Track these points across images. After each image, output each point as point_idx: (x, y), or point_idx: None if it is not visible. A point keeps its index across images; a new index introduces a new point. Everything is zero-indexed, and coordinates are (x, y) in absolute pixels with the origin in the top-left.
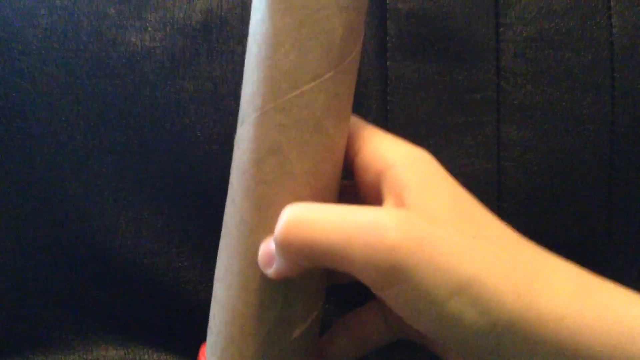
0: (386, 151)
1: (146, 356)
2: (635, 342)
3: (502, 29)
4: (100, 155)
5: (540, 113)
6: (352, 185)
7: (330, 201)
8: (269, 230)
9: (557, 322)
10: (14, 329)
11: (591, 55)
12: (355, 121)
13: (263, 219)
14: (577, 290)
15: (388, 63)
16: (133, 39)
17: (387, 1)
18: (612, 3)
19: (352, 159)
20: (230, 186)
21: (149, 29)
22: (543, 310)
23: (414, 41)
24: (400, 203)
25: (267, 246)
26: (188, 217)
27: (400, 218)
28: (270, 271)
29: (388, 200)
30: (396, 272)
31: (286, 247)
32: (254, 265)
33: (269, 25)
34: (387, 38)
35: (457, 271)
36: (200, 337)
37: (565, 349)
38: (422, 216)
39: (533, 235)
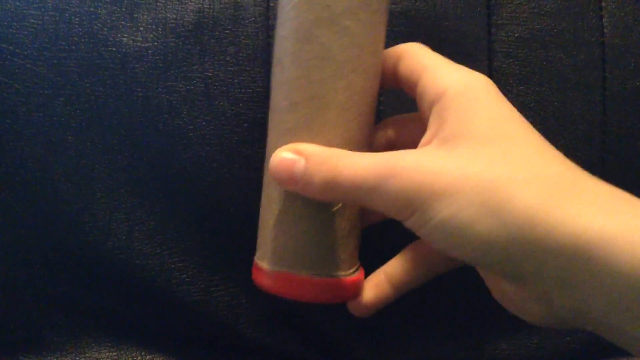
0: (440, 79)
1: (139, 357)
2: None
3: (494, 29)
4: (92, 156)
5: (531, 113)
6: (418, 116)
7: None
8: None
9: (574, 237)
10: (5, 332)
11: (583, 56)
12: (419, 50)
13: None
14: (601, 209)
15: None
16: (125, 40)
17: None
18: (603, 4)
19: (414, 89)
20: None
21: (141, 29)
22: (557, 226)
23: (406, 41)
24: (438, 132)
25: (287, 165)
26: (181, 218)
27: (412, 159)
28: (289, 188)
29: (430, 129)
30: (409, 207)
31: (323, 192)
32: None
33: None
34: None
35: (458, 196)
36: (192, 337)
37: (579, 263)
38: (438, 151)
39: None
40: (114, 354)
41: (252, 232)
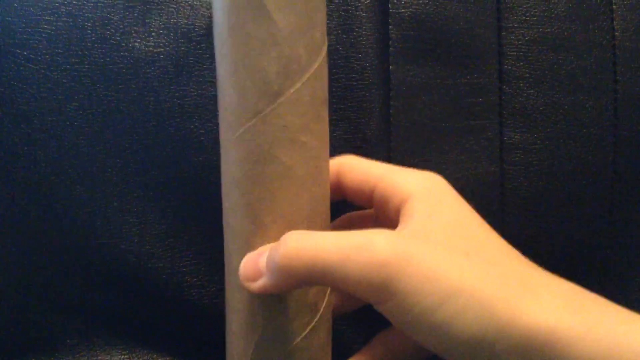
0: (402, 183)
1: None
2: (623, 357)
3: (504, 33)
4: (104, 160)
5: (542, 116)
6: (373, 215)
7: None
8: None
9: (548, 334)
10: (19, 334)
11: (593, 59)
12: (359, 161)
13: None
14: (568, 304)
15: (391, 67)
16: (137, 45)
17: (390, 6)
18: (614, 6)
19: (370, 195)
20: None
21: (153, 34)
22: (533, 321)
23: (416, 46)
24: (406, 227)
25: (253, 260)
26: (192, 221)
27: (391, 237)
28: (255, 285)
29: (399, 226)
30: (387, 287)
31: (287, 268)
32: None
33: (217, 70)
34: (390, 42)
35: (445, 281)
36: (203, 340)
37: (557, 355)
38: (416, 236)
39: (535, 238)
40: (126, 356)
41: None
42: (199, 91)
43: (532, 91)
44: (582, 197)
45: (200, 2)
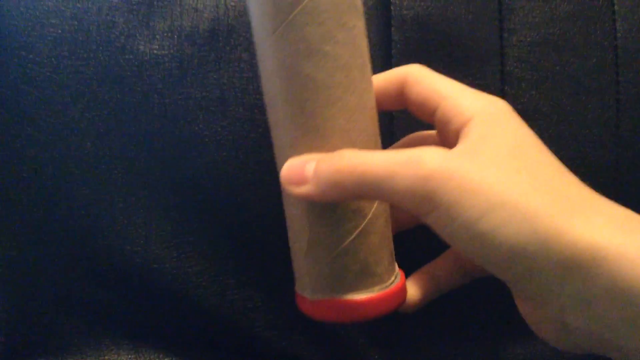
0: (464, 107)
1: None
2: None
3: (506, 34)
4: (109, 162)
5: (544, 117)
6: (436, 136)
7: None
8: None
9: (594, 251)
10: (26, 335)
11: (595, 60)
12: (428, 75)
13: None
14: (620, 225)
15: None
16: (141, 48)
17: (392, 8)
18: (616, 7)
19: (433, 112)
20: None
21: (157, 37)
22: (579, 237)
23: (418, 47)
24: (461, 145)
25: (297, 166)
26: (197, 222)
27: (437, 153)
28: (298, 190)
29: (456, 147)
30: (432, 199)
31: (338, 182)
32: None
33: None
34: (392, 44)
35: (489, 194)
36: (210, 340)
37: (600, 280)
38: (466, 153)
39: None
40: (133, 356)
41: (267, 236)
42: (203, 93)
43: (534, 92)
44: None
45: (204, 4)
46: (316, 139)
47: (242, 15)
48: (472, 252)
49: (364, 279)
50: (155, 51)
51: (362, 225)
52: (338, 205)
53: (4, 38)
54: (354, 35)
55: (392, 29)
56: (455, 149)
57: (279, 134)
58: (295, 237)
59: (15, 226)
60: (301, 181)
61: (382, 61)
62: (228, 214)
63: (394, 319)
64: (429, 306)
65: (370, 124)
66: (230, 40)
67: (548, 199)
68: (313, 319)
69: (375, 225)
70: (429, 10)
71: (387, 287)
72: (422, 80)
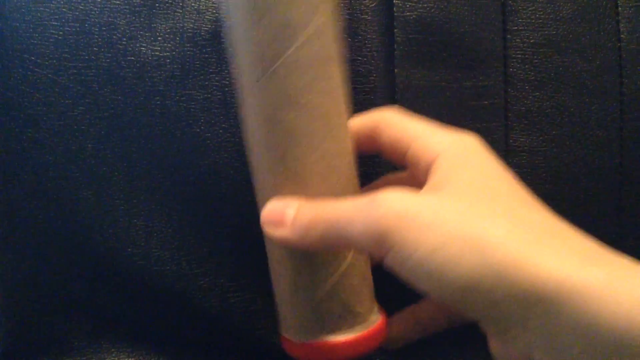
0: (433, 144)
1: None
2: None
3: (509, 36)
4: (111, 164)
5: (548, 119)
6: (409, 177)
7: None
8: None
9: (558, 285)
10: (26, 336)
11: (599, 61)
12: (400, 119)
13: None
14: (586, 257)
15: (396, 70)
16: (143, 49)
17: (395, 9)
18: (619, 9)
19: (404, 154)
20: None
21: (159, 39)
22: (540, 270)
23: (421, 49)
24: (427, 184)
25: (280, 208)
26: (198, 224)
27: (394, 194)
28: (276, 233)
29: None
30: (386, 239)
31: (312, 229)
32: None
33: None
34: (395, 46)
35: (442, 229)
36: (210, 343)
37: (566, 314)
38: (427, 191)
39: None
40: (133, 359)
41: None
42: (205, 95)
43: (537, 94)
44: (589, 200)
45: (206, 6)
46: (296, 184)
47: None
48: (430, 290)
49: (347, 319)
50: (157, 53)
51: (342, 268)
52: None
53: (6, 40)
54: (333, 84)
55: (395, 30)
56: (422, 188)
57: (260, 178)
58: (277, 280)
59: (16, 228)
60: (280, 224)
61: (385, 63)
62: (230, 217)
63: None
64: None
65: (348, 169)
66: None
67: (507, 229)
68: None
69: (356, 267)
70: (432, 11)
71: (368, 326)
72: (393, 123)
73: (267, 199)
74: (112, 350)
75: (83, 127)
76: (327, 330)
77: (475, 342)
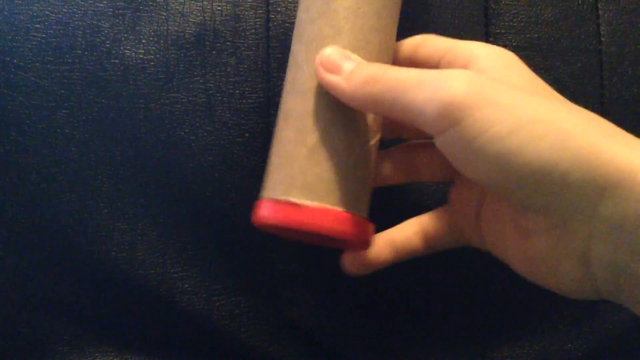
0: (470, 50)
1: None
2: None
3: (491, 39)
4: (95, 167)
5: None
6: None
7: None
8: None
9: (631, 173)
10: (8, 341)
11: (580, 64)
12: (438, 37)
13: (311, 53)
14: None
15: None
16: (127, 52)
17: None
18: (600, 12)
19: (436, 63)
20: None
21: (143, 41)
22: (615, 158)
23: None
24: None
25: (339, 57)
26: (183, 227)
27: (467, 72)
28: (328, 77)
29: None
30: (455, 111)
31: (369, 86)
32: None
33: None
34: None
35: (521, 111)
36: (195, 346)
37: (633, 203)
38: (493, 78)
39: None
40: None
41: (253, 241)
42: (190, 98)
43: None
44: None
45: (190, 9)
46: (356, 35)
47: (229, 19)
48: (493, 173)
49: (358, 197)
50: (141, 56)
51: (368, 144)
52: (356, 111)
53: None
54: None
55: None
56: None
57: (313, 31)
58: (298, 136)
59: (0, 232)
60: (335, 71)
61: None
62: (214, 220)
63: (381, 321)
64: (416, 308)
65: (392, 55)
66: (216, 44)
67: (581, 120)
68: (292, 226)
69: (371, 157)
70: (415, 14)
71: (367, 218)
72: (432, 40)
73: (316, 49)
74: (96, 354)
75: (67, 131)
76: (338, 200)
77: (458, 342)
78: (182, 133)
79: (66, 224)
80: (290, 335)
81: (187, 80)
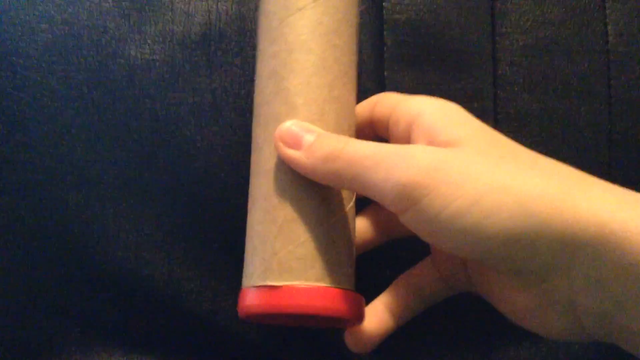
0: (414, 104)
1: None
2: None
3: (498, 38)
4: (101, 167)
5: (536, 121)
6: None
7: (329, 112)
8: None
9: (599, 227)
10: (16, 342)
11: (587, 63)
12: (391, 94)
13: (269, 133)
14: (622, 200)
15: (386, 73)
16: (133, 52)
17: (384, 12)
18: (607, 12)
19: (387, 122)
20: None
21: (149, 42)
22: (581, 215)
23: (411, 51)
24: (430, 142)
25: (299, 130)
26: (189, 228)
27: (425, 148)
28: (288, 153)
29: (417, 141)
30: (413, 191)
31: (330, 161)
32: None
33: None
34: (385, 48)
35: (474, 182)
36: (201, 347)
37: (609, 256)
38: (446, 146)
39: None
40: None
41: None
42: (195, 98)
43: (526, 96)
44: None
45: (195, 9)
46: (313, 110)
47: (234, 20)
48: (462, 246)
49: (340, 268)
50: (146, 56)
51: (343, 212)
52: (322, 186)
53: None
54: (354, 32)
55: (385, 33)
56: (432, 146)
57: (269, 111)
58: (267, 216)
59: (4, 233)
60: (295, 146)
61: (375, 65)
62: (220, 220)
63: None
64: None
65: (354, 114)
66: (221, 44)
67: (542, 180)
68: (273, 310)
69: (349, 224)
70: (422, 14)
71: (354, 290)
72: (384, 98)
73: (276, 124)
74: (103, 354)
75: (72, 131)
76: (314, 276)
77: (462, 343)
78: (188, 133)
79: (72, 225)
80: (296, 337)
81: (192, 80)
